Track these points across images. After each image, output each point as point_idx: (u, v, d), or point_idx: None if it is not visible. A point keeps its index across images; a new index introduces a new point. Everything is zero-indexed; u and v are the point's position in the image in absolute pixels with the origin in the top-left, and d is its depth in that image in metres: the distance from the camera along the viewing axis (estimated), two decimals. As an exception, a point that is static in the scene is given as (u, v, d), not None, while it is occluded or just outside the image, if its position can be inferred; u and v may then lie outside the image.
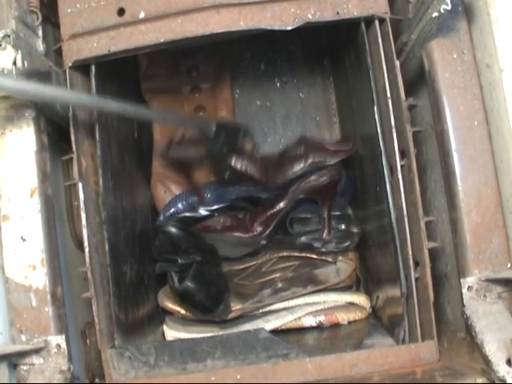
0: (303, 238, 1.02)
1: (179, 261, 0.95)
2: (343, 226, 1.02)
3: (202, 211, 1.06)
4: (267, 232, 1.02)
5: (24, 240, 0.78)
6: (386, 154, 0.80)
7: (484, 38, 0.76)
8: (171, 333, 0.94)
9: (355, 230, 1.02)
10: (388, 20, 0.79)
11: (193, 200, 1.06)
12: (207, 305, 0.92)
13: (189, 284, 0.91)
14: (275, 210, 1.02)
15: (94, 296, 0.78)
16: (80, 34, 0.81)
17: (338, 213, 1.04)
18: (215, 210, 1.06)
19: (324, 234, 1.01)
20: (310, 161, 1.01)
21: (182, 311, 0.96)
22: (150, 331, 0.95)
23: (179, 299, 0.95)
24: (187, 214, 1.05)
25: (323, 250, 1.02)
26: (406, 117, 0.78)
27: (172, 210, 1.06)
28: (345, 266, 1.02)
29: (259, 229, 1.02)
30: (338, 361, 0.75)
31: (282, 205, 1.02)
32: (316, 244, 1.02)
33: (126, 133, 1.00)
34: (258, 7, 0.78)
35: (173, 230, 0.99)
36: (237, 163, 1.01)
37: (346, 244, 1.02)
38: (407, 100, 0.78)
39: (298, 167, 1.01)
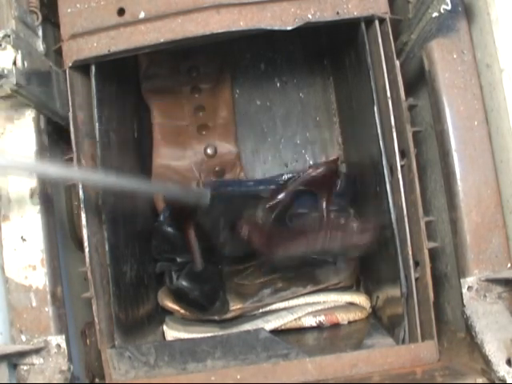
0: (302, 234, 1.03)
1: (178, 259, 0.96)
2: (342, 221, 1.03)
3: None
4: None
5: (24, 240, 0.78)
6: (386, 153, 0.80)
7: (484, 38, 0.76)
8: (171, 333, 0.94)
9: (355, 225, 1.02)
10: (388, 20, 0.79)
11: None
12: (201, 303, 0.92)
13: (182, 283, 0.91)
14: (274, 202, 1.02)
15: (93, 296, 0.78)
16: (80, 34, 0.81)
17: (337, 208, 1.04)
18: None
19: None
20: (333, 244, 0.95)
21: (182, 310, 0.96)
22: (150, 331, 0.95)
23: (174, 298, 0.95)
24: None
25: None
26: (406, 117, 0.78)
27: (172, 211, 1.06)
28: (345, 266, 1.02)
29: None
30: (338, 361, 0.75)
31: (280, 197, 1.02)
32: None
33: (125, 133, 0.99)
34: (258, 7, 0.78)
35: (168, 229, 0.99)
36: (242, 230, 0.96)
37: None
38: (407, 100, 0.78)
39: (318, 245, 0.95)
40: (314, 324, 0.96)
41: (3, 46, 0.71)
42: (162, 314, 1.00)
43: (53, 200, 0.82)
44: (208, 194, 0.92)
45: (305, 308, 0.97)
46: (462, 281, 0.76)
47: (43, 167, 0.70)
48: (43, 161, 0.74)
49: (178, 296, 0.94)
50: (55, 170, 0.70)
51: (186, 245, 0.97)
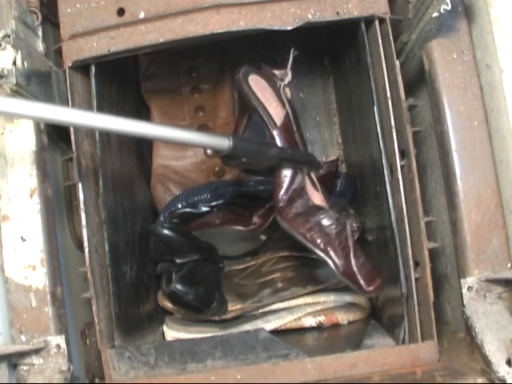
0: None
1: (177, 261, 0.96)
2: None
3: (202, 207, 1.06)
4: (266, 225, 1.02)
5: (24, 240, 0.78)
6: (386, 154, 0.80)
7: (484, 38, 0.76)
8: (171, 333, 0.94)
9: (355, 224, 1.03)
10: (388, 20, 0.79)
11: (192, 200, 1.06)
12: (196, 306, 0.91)
13: (176, 286, 0.91)
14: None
15: (93, 296, 0.78)
16: (80, 34, 0.81)
17: (337, 208, 1.04)
18: (214, 205, 1.06)
19: None
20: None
21: (182, 310, 0.96)
22: (149, 331, 0.95)
23: (169, 301, 0.95)
24: (187, 210, 1.05)
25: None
26: (406, 117, 0.78)
27: (172, 210, 1.06)
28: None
29: (258, 221, 1.02)
30: (337, 361, 0.75)
31: None
32: None
33: (125, 133, 0.99)
34: (258, 7, 0.78)
35: (164, 232, 0.98)
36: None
37: None
38: (407, 100, 0.78)
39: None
40: (314, 324, 0.96)
41: (3, 46, 0.71)
42: (161, 315, 1.00)
43: (52, 200, 0.82)
44: (226, 143, 0.76)
45: (305, 308, 0.97)
46: (462, 281, 0.76)
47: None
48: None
49: (172, 299, 0.94)
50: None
51: (182, 247, 0.97)
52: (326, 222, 0.82)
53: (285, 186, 0.83)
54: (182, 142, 0.74)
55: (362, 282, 0.79)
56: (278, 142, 0.84)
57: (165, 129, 0.70)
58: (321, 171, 0.92)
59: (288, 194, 0.83)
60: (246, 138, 0.87)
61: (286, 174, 0.83)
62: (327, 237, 0.81)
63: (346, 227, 0.82)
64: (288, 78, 0.90)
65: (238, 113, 0.93)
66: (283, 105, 0.87)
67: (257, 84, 0.87)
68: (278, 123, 0.85)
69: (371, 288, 0.79)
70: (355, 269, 0.79)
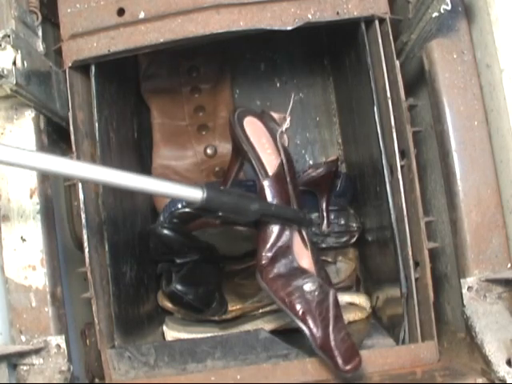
0: (303, 233, 1.03)
1: (177, 261, 0.96)
2: (342, 221, 1.03)
3: None
4: None
5: (24, 240, 0.78)
6: (386, 154, 0.80)
7: (484, 38, 0.76)
8: (171, 333, 0.94)
9: (355, 224, 1.03)
10: (388, 20, 0.79)
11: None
12: (196, 306, 0.91)
13: (176, 286, 0.91)
14: None
15: (93, 296, 0.78)
16: (80, 34, 0.80)
17: (337, 208, 1.04)
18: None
19: (323, 226, 1.02)
20: None
21: (182, 310, 0.96)
22: (149, 331, 0.95)
23: (169, 301, 0.95)
24: (187, 210, 1.05)
25: (323, 245, 1.02)
26: (406, 117, 0.78)
27: (172, 211, 1.06)
28: (345, 266, 1.02)
29: None
30: (337, 361, 0.75)
31: None
32: (316, 239, 1.02)
33: (125, 133, 0.99)
34: (258, 7, 0.78)
35: (164, 232, 0.98)
36: None
37: (346, 238, 1.03)
38: (407, 100, 0.78)
39: None
40: (314, 324, 0.96)
41: (3, 46, 0.71)
42: (161, 315, 1.00)
43: (52, 200, 0.82)
44: (199, 194, 0.72)
45: (305, 308, 0.97)
46: (462, 281, 0.76)
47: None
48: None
49: (172, 299, 0.94)
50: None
51: (182, 247, 0.97)
52: (308, 287, 0.76)
53: (270, 242, 0.77)
54: (151, 192, 0.71)
55: (339, 359, 0.71)
56: (268, 194, 0.79)
57: (132, 176, 0.67)
58: (311, 227, 0.89)
59: (272, 251, 0.77)
60: (223, 189, 0.80)
61: (273, 229, 0.77)
62: (307, 304, 0.75)
63: (328, 296, 0.76)
64: (286, 124, 0.86)
65: (230, 156, 0.89)
66: (278, 153, 0.82)
67: (253, 127, 0.83)
68: (270, 172, 0.80)
69: (348, 367, 0.70)
70: (333, 344, 0.72)
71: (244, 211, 0.73)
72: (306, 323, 0.74)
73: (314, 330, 0.74)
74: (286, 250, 0.78)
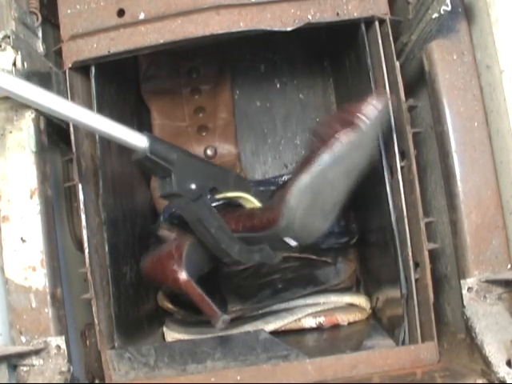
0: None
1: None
2: (343, 222, 1.03)
3: None
4: None
5: (24, 241, 0.78)
6: (386, 155, 0.80)
7: (484, 39, 0.76)
8: (171, 334, 0.94)
9: (355, 225, 1.03)
10: (388, 21, 0.79)
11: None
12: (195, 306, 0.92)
13: None
14: None
15: (93, 297, 0.78)
16: (80, 35, 0.81)
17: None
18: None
19: None
20: None
21: (182, 311, 0.96)
22: (149, 332, 0.95)
23: (169, 301, 0.95)
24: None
25: (323, 246, 1.02)
26: (406, 118, 0.78)
27: (172, 211, 1.06)
28: (345, 267, 1.02)
29: None
30: (337, 362, 0.75)
31: None
32: (316, 240, 1.02)
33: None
34: (258, 8, 0.78)
35: (164, 232, 0.98)
36: None
37: (346, 239, 1.03)
38: (407, 101, 0.78)
39: None
40: (314, 325, 0.96)
41: (3, 46, 0.71)
42: (161, 315, 1.00)
43: (52, 201, 0.82)
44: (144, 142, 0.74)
45: (305, 309, 0.97)
46: (462, 282, 0.76)
47: None
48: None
49: (173, 300, 0.94)
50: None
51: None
52: None
53: None
54: (96, 130, 0.72)
55: None
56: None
57: (80, 110, 0.68)
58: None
59: None
60: (169, 143, 0.80)
61: None
62: None
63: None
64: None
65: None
66: None
67: None
68: None
69: None
70: None
71: (188, 167, 0.74)
72: None
73: None
74: None
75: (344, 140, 0.72)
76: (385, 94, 0.78)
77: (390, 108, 0.76)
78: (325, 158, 0.73)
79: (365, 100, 0.73)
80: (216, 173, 0.85)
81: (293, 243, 0.79)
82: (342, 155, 0.72)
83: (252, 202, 0.88)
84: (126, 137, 0.71)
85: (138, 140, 0.72)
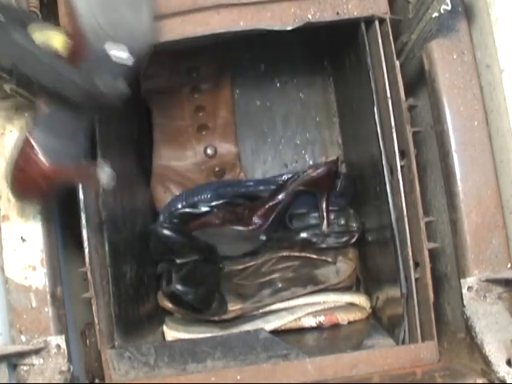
0: (303, 234, 1.03)
1: (177, 261, 0.96)
2: (342, 221, 1.03)
3: (202, 207, 1.06)
4: (266, 224, 1.02)
5: (24, 240, 0.78)
6: (386, 154, 0.80)
7: (484, 39, 0.76)
8: (171, 333, 0.94)
9: (355, 224, 1.03)
10: (388, 20, 0.79)
11: (192, 200, 1.06)
12: (196, 306, 0.92)
13: (176, 286, 0.91)
14: (274, 202, 1.02)
15: (93, 296, 0.78)
16: (80, 35, 0.80)
17: (337, 208, 1.04)
18: (215, 205, 1.06)
19: (323, 226, 1.02)
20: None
21: (182, 311, 0.96)
22: (149, 331, 0.95)
23: (169, 301, 0.95)
24: (187, 210, 1.05)
25: (323, 245, 1.02)
26: (406, 117, 0.78)
27: (172, 211, 1.06)
28: (345, 267, 1.02)
29: (258, 221, 1.02)
30: (337, 361, 0.75)
31: (280, 197, 1.02)
32: (316, 239, 1.02)
33: (125, 133, 0.99)
34: (258, 7, 0.78)
35: (164, 232, 0.98)
36: None
37: (346, 238, 1.03)
38: (407, 100, 0.78)
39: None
40: (314, 324, 0.96)
41: (3, 46, 0.71)
42: (161, 315, 1.00)
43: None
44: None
45: (305, 308, 0.97)
46: (462, 281, 0.76)
47: None
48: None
49: (172, 299, 0.94)
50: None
51: (182, 247, 0.97)
52: None
53: None
54: None
55: None
56: None
57: None
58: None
59: None
60: None
61: None
62: None
63: None
64: None
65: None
66: None
67: None
68: None
69: None
70: None
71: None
72: None
73: None
74: None
75: None
76: None
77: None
78: None
79: None
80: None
81: (123, 55, 0.69)
82: None
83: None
84: None
85: None
